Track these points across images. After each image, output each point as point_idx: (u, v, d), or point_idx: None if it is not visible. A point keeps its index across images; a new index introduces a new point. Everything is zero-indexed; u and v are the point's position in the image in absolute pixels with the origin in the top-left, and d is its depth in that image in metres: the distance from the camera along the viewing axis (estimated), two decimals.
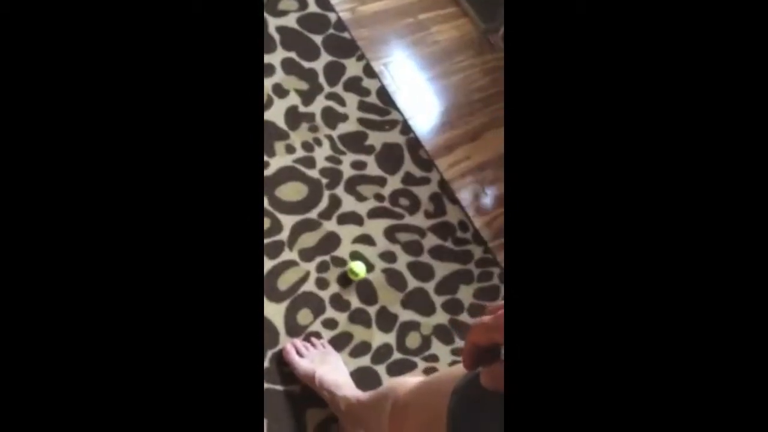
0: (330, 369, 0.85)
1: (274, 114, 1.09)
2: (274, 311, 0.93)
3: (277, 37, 1.16)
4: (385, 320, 0.98)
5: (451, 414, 0.36)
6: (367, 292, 0.99)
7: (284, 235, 0.99)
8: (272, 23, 1.17)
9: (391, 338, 0.97)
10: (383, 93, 1.20)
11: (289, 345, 0.88)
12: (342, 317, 0.96)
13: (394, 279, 1.02)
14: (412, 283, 1.03)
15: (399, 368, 0.95)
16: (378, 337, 0.96)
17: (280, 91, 1.11)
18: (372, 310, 0.98)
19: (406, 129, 1.18)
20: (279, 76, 1.12)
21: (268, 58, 1.13)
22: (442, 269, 1.07)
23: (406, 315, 1.00)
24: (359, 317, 0.97)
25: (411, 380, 0.51)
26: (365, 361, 0.94)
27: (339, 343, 0.94)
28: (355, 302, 0.98)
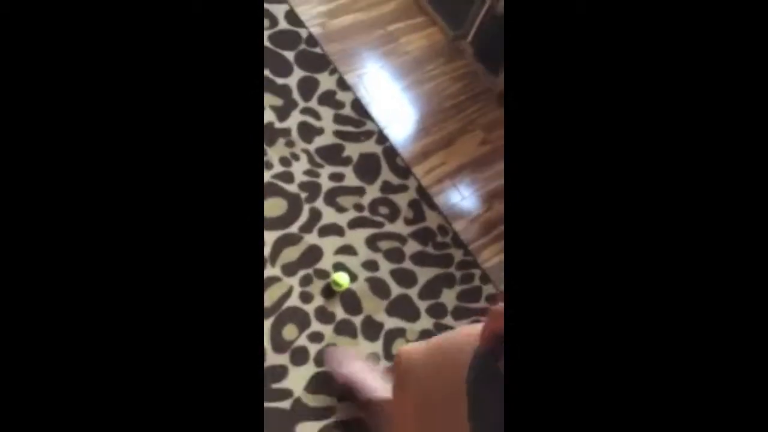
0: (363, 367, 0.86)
1: None
2: None
3: None
4: (371, 329, 0.96)
5: (471, 387, 0.37)
6: (351, 302, 0.97)
7: (266, 252, 0.96)
8: None
9: (377, 347, 0.95)
10: (358, 105, 1.18)
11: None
12: (328, 330, 0.93)
13: (378, 287, 1.00)
14: (396, 290, 1.01)
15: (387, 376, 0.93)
16: (364, 347, 0.94)
17: None
18: (357, 320, 0.96)
19: (382, 138, 1.16)
20: None
21: None
22: (425, 274, 1.05)
23: (391, 322, 0.98)
24: (345, 328, 0.95)
25: (409, 348, 0.50)
26: None
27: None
28: (340, 313, 0.96)
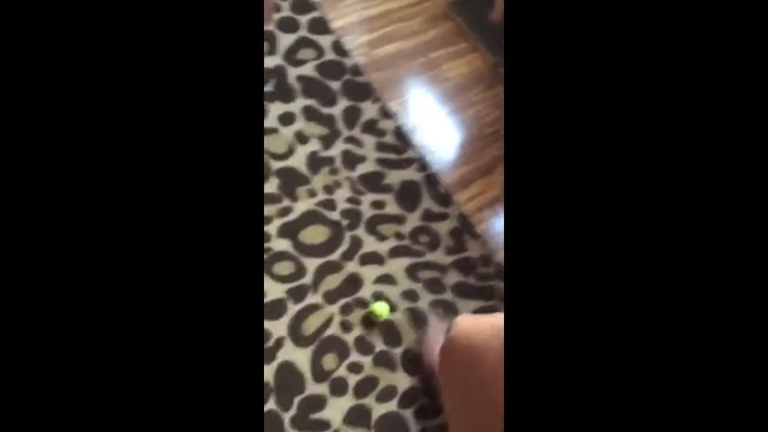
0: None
1: (297, 160, 1.05)
2: (300, 357, 0.87)
3: (297, 86, 1.13)
4: (411, 362, 0.91)
5: None
6: (391, 333, 0.93)
7: (308, 279, 0.93)
8: (292, 73, 1.15)
9: (417, 381, 0.90)
10: (399, 132, 1.14)
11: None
12: (367, 360, 0.89)
13: (418, 319, 0.95)
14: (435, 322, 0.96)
15: (427, 413, 0.88)
16: (403, 381, 0.89)
17: (302, 138, 1.08)
18: (397, 352, 0.91)
19: (423, 166, 1.12)
20: (300, 124, 1.09)
21: (289, 107, 1.11)
22: (466, 307, 0.99)
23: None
24: (384, 360, 0.90)
25: (467, 321, 0.48)
26: (392, 405, 0.87)
27: (365, 387, 0.87)
28: (380, 345, 0.91)
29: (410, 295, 0.97)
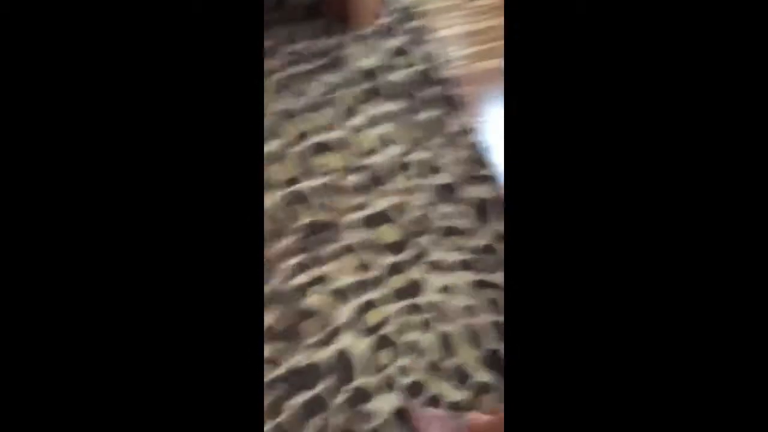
0: None
1: (379, 161, 1.08)
2: (356, 347, 0.90)
3: (389, 90, 1.17)
4: (460, 377, 0.90)
5: None
6: (446, 344, 0.92)
7: (375, 275, 0.96)
8: (387, 77, 1.19)
9: (464, 395, 0.89)
10: (479, 148, 1.14)
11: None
12: (419, 366, 0.90)
13: (473, 336, 0.94)
14: (491, 342, 0.94)
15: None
16: (451, 393, 0.88)
17: (386, 141, 1.11)
18: (448, 364, 0.91)
19: (498, 185, 1.11)
20: (387, 127, 1.12)
21: (378, 110, 1.14)
22: None
23: (480, 375, 0.91)
24: (434, 368, 0.90)
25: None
26: (437, 413, 0.86)
27: (412, 392, 0.87)
28: (433, 353, 0.91)
29: (469, 311, 0.96)
